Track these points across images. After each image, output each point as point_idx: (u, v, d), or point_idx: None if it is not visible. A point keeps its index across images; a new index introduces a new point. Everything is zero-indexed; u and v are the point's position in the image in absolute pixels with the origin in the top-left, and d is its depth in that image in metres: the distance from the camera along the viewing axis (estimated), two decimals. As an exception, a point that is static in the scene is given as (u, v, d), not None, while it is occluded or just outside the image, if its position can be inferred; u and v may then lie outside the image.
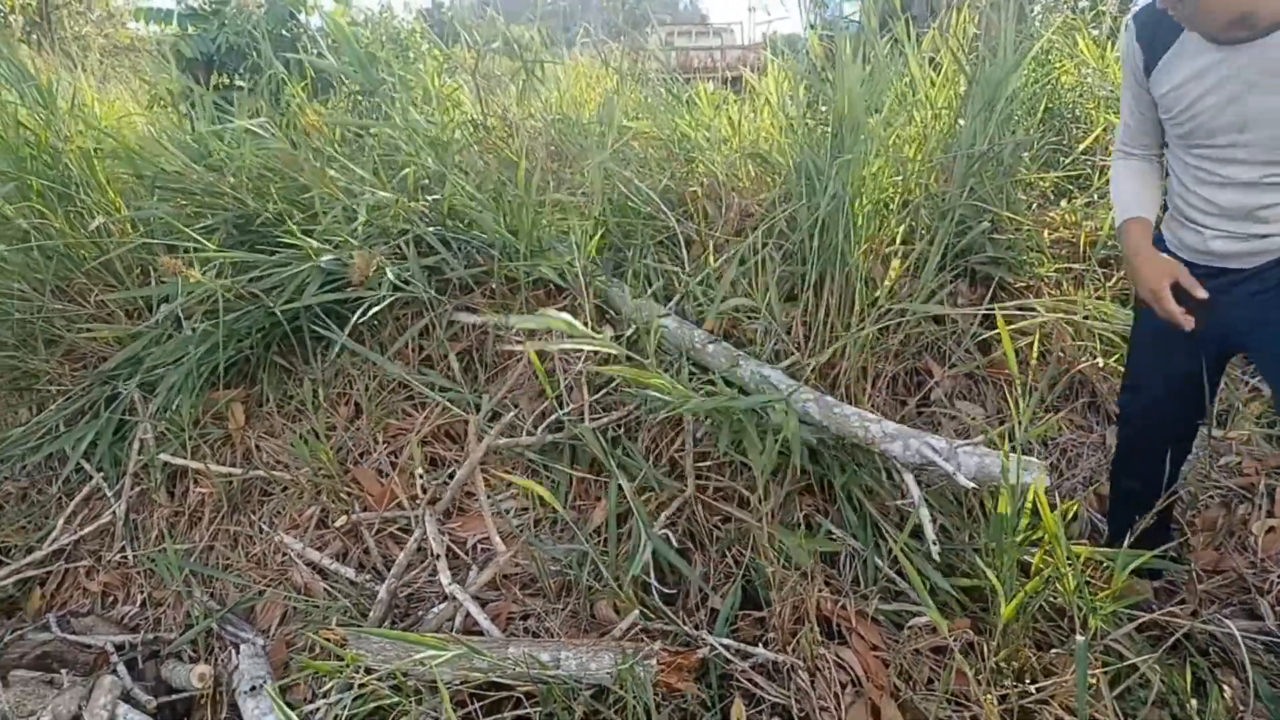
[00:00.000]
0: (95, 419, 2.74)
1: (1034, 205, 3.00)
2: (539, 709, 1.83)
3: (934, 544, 1.85)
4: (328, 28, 3.29)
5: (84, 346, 2.90)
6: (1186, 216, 1.72)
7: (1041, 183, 3.26)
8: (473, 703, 1.85)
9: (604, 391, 2.46)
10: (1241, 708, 1.83)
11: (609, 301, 2.64)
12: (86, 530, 2.62)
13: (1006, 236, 2.85)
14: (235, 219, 2.80)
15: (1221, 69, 1.50)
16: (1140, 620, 1.90)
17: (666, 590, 2.12)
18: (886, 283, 2.57)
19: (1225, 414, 2.67)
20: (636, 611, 2.01)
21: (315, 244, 2.53)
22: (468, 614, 2.07)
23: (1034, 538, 1.74)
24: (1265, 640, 2.01)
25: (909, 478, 1.98)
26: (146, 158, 2.94)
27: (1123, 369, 2.12)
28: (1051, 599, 1.87)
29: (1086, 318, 2.61)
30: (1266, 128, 1.50)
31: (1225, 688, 1.88)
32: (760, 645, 1.93)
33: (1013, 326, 2.61)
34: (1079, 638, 1.68)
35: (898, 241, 2.67)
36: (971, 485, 1.87)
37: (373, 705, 1.84)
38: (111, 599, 2.55)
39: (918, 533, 2.09)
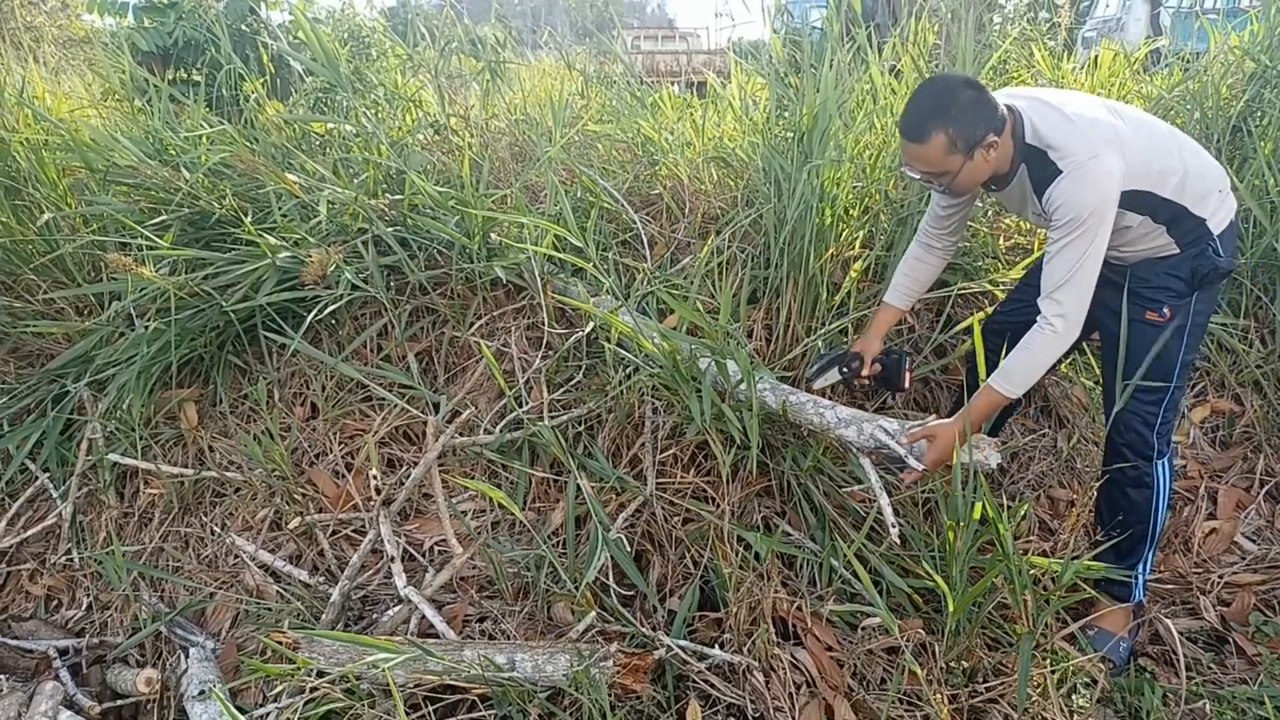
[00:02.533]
0: (42, 418, 2.67)
1: (990, 212, 3.05)
2: (494, 711, 1.82)
3: (894, 527, 1.85)
4: (295, 21, 3.23)
5: (31, 344, 2.83)
6: None
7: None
8: (427, 706, 1.83)
9: (563, 390, 2.45)
10: (1179, 702, 1.88)
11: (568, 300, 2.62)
12: (30, 532, 2.54)
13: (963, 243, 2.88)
14: (190, 215, 2.74)
15: (1009, 199, 2.07)
16: (1085, 620, 1.95)
17: (624, 592, 2.12)
18: (846, 286, 2.60)
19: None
20: (593, 613, 2.00)
21: (272, 241, 2.49)
22: (423, 616, 2.05)
23: (985, 538, 1.77)
24: (1204, 639, 2.07)
25: (866, 463, 1.99)
26: (99, 151, 2.87)
27: (1071, 373, 2.21)
28: (1004, 602, 1.90)
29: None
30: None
31: (1163, 684, 1.93)
32: (717, 646, 1.94)
33: (963, 324, 2.65)
34: (1024, 637, 1.72)
35: (857, 246, 2.70)
36: (922, 467, 1.89)
37: (325, 709, 1.81)
38: (56, 603, 2.49)
39: (874, 536, 2.12)
